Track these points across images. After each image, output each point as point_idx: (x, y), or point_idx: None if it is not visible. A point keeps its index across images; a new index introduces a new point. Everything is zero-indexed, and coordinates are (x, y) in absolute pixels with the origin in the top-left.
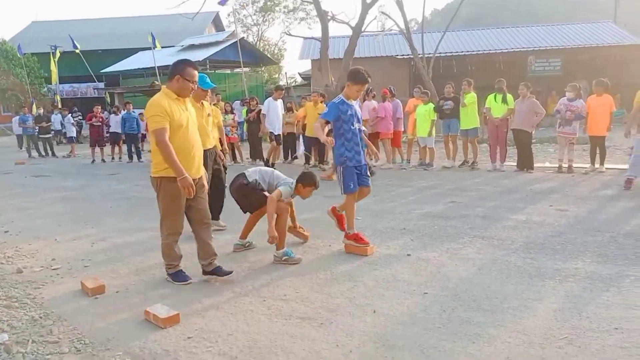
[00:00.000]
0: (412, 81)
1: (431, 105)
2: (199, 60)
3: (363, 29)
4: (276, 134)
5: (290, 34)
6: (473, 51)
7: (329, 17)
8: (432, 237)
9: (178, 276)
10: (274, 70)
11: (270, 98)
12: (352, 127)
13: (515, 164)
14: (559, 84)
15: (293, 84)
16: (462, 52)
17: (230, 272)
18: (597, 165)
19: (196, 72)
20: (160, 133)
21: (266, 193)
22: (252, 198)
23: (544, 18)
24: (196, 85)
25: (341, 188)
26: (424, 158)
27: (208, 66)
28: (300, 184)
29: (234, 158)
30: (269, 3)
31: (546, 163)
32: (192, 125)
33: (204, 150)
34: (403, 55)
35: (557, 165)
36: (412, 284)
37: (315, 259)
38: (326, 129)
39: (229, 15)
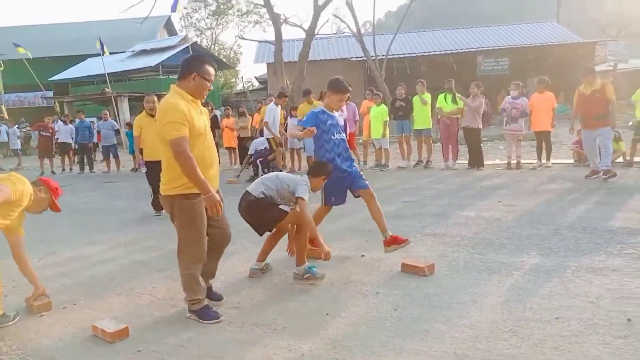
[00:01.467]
0: (366, 83)
1: (384, 107)
2: (150, 66)
3: (316, 31)
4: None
5: (243, 38)
6: (425, 52)
7: (281, 20)
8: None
9: (206, 314)
10: (230, 74)
11: (272, 104)
12: (333, 137)
13: (467, 162)
14: (507, 83)
15: (250, 88)
16: (414, 53)
17: (222, 298)
18: (544, 161)
19: (213, 70)
20: (181, 143)
21: (282, 207)
22: (264, 216)
23: (493, 19)
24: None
25: (322, 199)
26: (380, 159)
27: (161, 72)
28: (311, 176)
29: None
30: (221, 7)
31: (496, 160)
32: (210, 133)
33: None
34: (357, 57)
35: (506, 162)
36: (366, 285)
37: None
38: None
39: (180, 19)
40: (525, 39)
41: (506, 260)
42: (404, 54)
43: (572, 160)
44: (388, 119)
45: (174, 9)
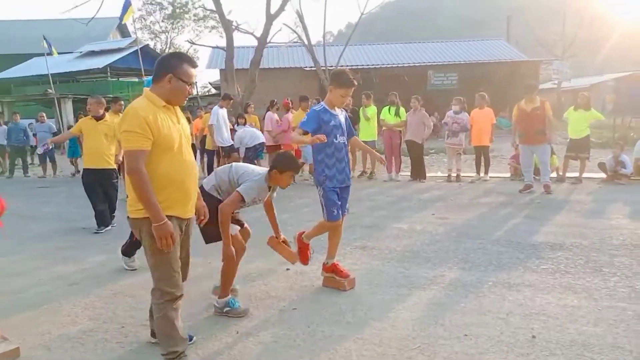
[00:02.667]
0: (320, 93)
1: None
2: (98, 68)
3: (268, 39)
4: (227, 145)
5: (193, 43)
6: (377, 64)
7: (233, 27)
8: (315, 249)
9: None
10: None
11: (216, 106)
12: (335, 141)
13: (409, 173)
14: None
15: (207, 94)
16: (367, 65)
17: (193, 338)
18: (482, 174)
19: (194, 71)
20: (134, 157)
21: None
22: (211, 219)
23: (449, 34)
24: (192, 89)
25: (324, 214)
26: None
27: (109, 74)
28: (276, 170)
29: None
30: (177, 10)
31: (438, 172)
32: (187, 145)
33: (104, 170)
34: (311, 67)
35: (447, 175)
36: (284, 300)
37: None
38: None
39: (134, 21)
40: (474, 55)
41: (428, 274)
42: (357, 65)
43: (508, 175)
44: None
45: (121, 19)
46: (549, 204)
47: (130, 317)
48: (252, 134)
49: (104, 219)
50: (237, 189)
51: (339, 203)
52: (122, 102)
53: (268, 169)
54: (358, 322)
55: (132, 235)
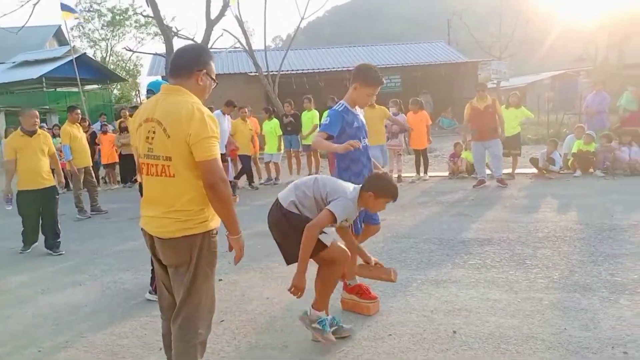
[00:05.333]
0: (266, 98)
1: (276, 122)
2: (32, 78)
3: (210, 45)
4: (221, 152)
5: (130, 50)
6: (323, 68)
7: (172, 33)
8: (252, 257)
9: None
10: (131, 87)
11: (219, 111)
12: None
13: None
14: (400, 99)
15: None
16: (313, 69)
17: None
18: (422, 174)
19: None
20: (219, 165)
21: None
22: (291, 239)
23: (395, 38)
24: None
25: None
26: (270, 174)
27: (44, 84)
28: (372, 193)
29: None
30: (117, 17)
31: None
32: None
33: (44, 189)
34: (255, 72)
35: None
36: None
37: (117, 292)
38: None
39: (71, 29)
40: (417, 57)
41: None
42: (303, 69)
43: (447, 173)
44: (281, 133)
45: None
46: (482, 200)
47: (49, 338)
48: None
49: (31, 237)
50: (328, 207)
51: (361, 216)
52: (79, 111)
53: (360, 187)
54: (287, 329)
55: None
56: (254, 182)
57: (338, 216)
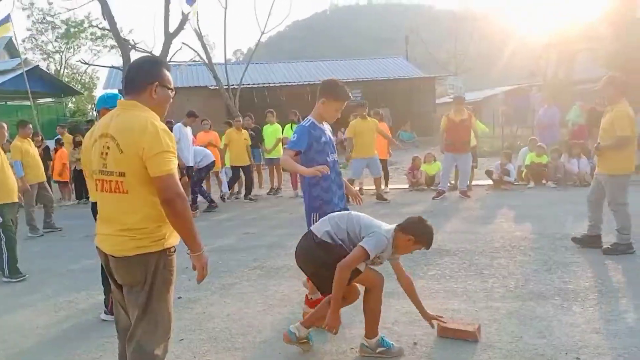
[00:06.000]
0: (227, 112)
1: (245, 132)
2: None
3: (168, 58)
4: (188, 165)
5: (85, 62)
6: (285, 83)
7: (129, 46)
8: (212, 274)
9: None
10: (86, 100)
11: (180, 124)
12: (328, 159)
13: None
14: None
15: None
16: (274, 83)
17: None
18: (383, 187)
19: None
20: (176, 180)
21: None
22: (325, 268)
23: (355, 53)
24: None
25: None
26: (233, 188)
27: None
28: (411, 237)
29: None
30: (72, 30)
31: None
32: None
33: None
34: (216, 86)
35: None
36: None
37: (70, 313)
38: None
39: (23, 41)
40: (377, 72)
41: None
42: (264, 83)
43: (407, 186)
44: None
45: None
46: (440, 212)
47: None
48: (204, 154)
49: None
50: (361, 243)
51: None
52: (31, 126)
53: (396, 227)
54: (248, 346)
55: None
56: (250, 194)
57: (370, 252)
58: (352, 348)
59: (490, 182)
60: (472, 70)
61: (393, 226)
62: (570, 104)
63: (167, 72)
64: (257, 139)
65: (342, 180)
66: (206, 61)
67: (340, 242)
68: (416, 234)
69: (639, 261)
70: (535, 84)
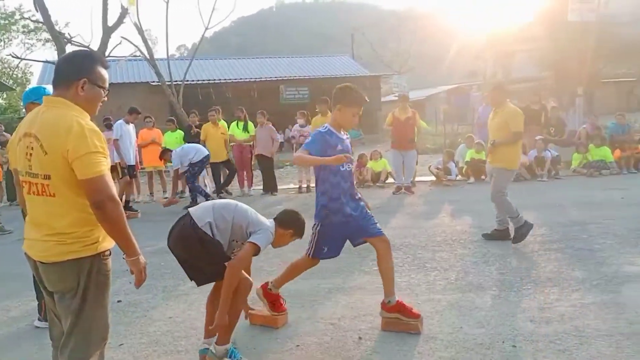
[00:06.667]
0: (170, 109)
1: (180, 133)
2: None
3: (107, 53)
4: (130, 164)
5: (16, 57)
6: (231, 79)
7: (65, 40)
8: (154, 276)
9: None
10: (19, 96)
11: (121, 121)
12: (342, 169)
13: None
14: (309, 111)
15: None
16: (220, 80)
17: None
18: None
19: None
20: (107, 182)
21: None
22: (203, 260)
23: (302, 50)
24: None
25: (310, 249)
26: (177, 187)
27: None
28: (291, 231)
29: None
30: (2, 22)
31: (290, 184)
32: None
33: None
34: (159, 82)
35: (298, 186)
36: (110, 336)
37: (1, 321)
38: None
39: None
40: (323, 70)
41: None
42: (209, 80)
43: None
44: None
45: None
46: (386, 208)
47: None
48: (196, 149)
49: None
50: (252, 240)
51: (335, 243)
52: None
53: (275, 222)
54: (192, 350)
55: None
56: (227, 189)
57: (262, 247)
58: (297, 345)
59: (433, 178)
60: (416, 70)
61: (272, 221)
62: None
63: (99, 69)
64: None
65: (355, 191)
66: (147, 56)
67: (218, 238)
68: (296, 227)
69: (570, 252)
70: (476, 83)
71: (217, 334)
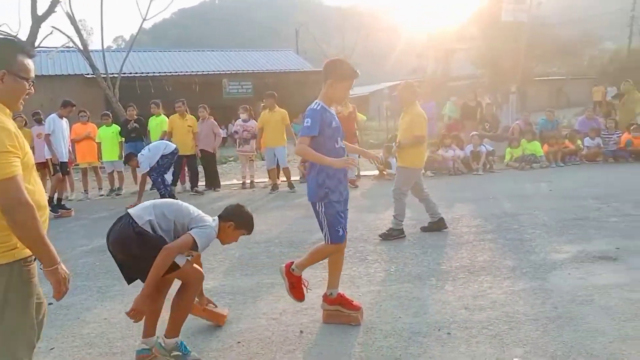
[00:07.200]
0: (106, 102)
1: (116, 127)
2: None
3: (37, 44)
4: (62, 161)
5: None
6: (171, 72)
7: None
8: (88, 276)
9: None
10: None
11: (54, 115)
12: (336, 146)
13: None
14: (253, 105)
15: None
16: (160, 72)
17: None
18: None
19: (32, 63)
20: (16, 185)
21: (178, 258)
22: (142, 259)
23: (247, 44)
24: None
25: (326, 236)
26: (113, 184)
27: None
28: (231, 223)
29: None
30: None
31: (233, 180)
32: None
33: None
34: (93, 75)
35: (241, 182)
36: (40, 340)
37: None
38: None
39: None
40: (267, 65)
41: (209, 285)
42: (148, 73)
43: (298, 177)
44: (122, 139)
45: None
46: None
47: None
48: (165, 144)
49: None
50: (192, 233)
51: (344, 220)
52: None
53: (219, 219)
54: (128, 352)
55: None
56: (197, 187)
57: (200, 245)
58: (238, 342)
59: (376, 172)
60: (360, 66)
61: (216, 218)
62: (446, 99)
63: (22, 58)
64: (141, 132)
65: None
66: (81, 47)
67: (162, 234)
68: (236, 220)
69: (502, 242)
70: (417, 80)
71: (167, 327)
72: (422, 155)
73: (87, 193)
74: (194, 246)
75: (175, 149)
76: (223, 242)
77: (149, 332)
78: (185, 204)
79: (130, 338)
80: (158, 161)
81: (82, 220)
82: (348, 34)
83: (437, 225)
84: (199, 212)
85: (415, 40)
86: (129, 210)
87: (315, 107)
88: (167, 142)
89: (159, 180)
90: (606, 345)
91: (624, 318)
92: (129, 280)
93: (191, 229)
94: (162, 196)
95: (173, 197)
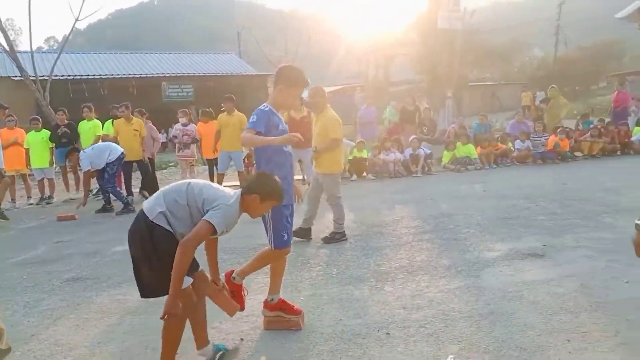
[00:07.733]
0: (37, 105)
1: (46, 132)
2: None
3: None
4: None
5: None
6: (107, 75)
7: None
8: (15, 290)
9: None
10: None
11: None
12: (285, 149)
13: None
14: (193, 109)
15: None
16: (95, 75)
17: None
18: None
19: None
20: None
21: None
22: (154, 263)
23: (184, 47)
24: None
25: (270, 240)
26: (43, 192)
27: None
28: (256, 196)
29: None
30: None
31: None
32: None
33: None
34: (21, 77)
35: None
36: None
37: None
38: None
39: None
40: (208, 68)
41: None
42: (83, 75)
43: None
44: (52, 145)
45: None
46: None
47: None
48: (110, 147)
49: None
50: (206, 218)
51: (290, 226)
52: None
53: (241, 191)
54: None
55: None
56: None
57: (218, 227)
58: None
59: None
60: (304, 70)
61: (238, 192)
62: (387, 103)
63: None
64: (72, 137)
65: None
66: (7, 48)
67: (179, 226)
68: (259, 190)
69: (439, 241)
70: (359, 84)
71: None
72: (340, 159)
73: (15, 202)
74: (212, 231)
75: (122, 154)
76: (253, 215)
77: (199, 342)
78: (196, 183)
79: (58, 355)
80: (106, 170)
81: (10, 231)
82: (290, 38)
83: (303, 233)
84: (213, 189)
85: (356, 45)
86: (144, 204)
87: (263, 108)
88: (114, 144)
89: (116, 189)
90: (534, 338)
91: (551, 312)
92: (142, 294)
93: (206, 212)
94: (106, 203)
95: (130, 208)
